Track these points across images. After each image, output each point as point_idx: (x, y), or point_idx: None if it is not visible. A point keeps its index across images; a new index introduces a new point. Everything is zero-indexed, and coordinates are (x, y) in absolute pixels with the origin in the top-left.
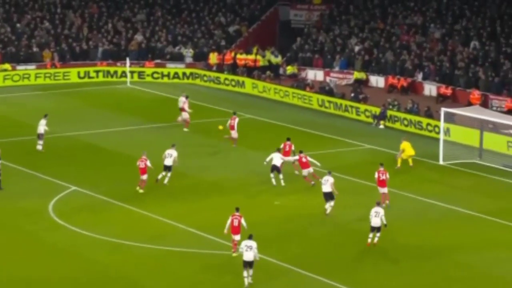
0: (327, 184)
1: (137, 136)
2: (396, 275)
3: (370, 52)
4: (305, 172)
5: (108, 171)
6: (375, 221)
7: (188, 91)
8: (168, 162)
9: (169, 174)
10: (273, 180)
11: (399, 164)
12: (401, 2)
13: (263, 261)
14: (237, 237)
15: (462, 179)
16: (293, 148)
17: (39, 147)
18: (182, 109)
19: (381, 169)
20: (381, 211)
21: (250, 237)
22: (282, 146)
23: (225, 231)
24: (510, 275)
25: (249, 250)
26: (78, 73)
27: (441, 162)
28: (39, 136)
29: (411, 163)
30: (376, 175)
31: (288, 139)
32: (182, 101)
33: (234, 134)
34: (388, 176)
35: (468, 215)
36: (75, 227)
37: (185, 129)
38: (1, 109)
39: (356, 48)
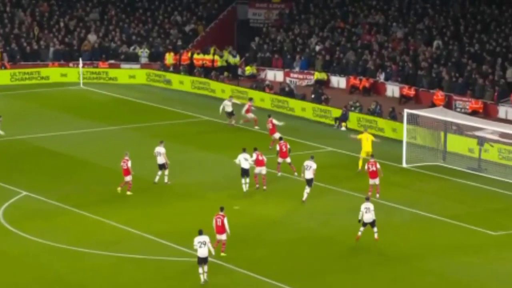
0: (310, 170)
1: (91, 139)
2: (359, 282)
3: (331, 52)
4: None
5: (61, 176)
6: (368, 217)
7: (143, 93)
8: (160, 160)
9: (166, 172)
10: (244, 186)
11: (360, 167)
12: (362, 1)
13: (224, 268)
14: (221, 237)
15: (426, 182)
16: (289, 147)
17: None
18: (247, 111)
19: (371, 160)
20: (371, 206)
21: (200, 233)
22: (278, 148)
23: (215, 230)
24: (475, 281)
25: (203, 246)
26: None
27: (404, 165)
28: None
29: (360, 166)
30: (366, 167)
31: (281, 138)
32: (230, 105)
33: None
34: (378, 166)
35: (432, 219)
36: (26, 233)
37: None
38: None
39: (317, 48)
